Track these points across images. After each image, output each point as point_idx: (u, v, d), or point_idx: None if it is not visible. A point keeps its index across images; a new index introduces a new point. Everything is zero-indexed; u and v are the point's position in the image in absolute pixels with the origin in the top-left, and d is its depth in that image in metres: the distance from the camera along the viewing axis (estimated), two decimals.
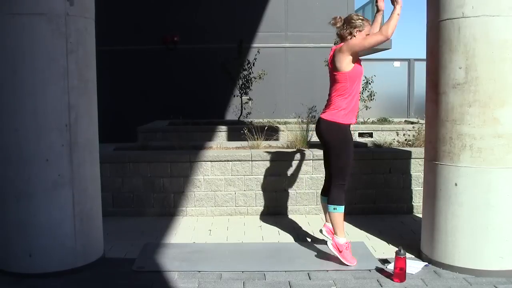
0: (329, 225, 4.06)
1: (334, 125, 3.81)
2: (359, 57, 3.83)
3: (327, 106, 3.90)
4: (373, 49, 14.74)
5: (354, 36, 3.77)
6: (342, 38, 3.84)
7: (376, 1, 3.89)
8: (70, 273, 3.59)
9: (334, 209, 3.80)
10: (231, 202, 5.28)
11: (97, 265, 3.77)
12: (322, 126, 3.88)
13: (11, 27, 3.41)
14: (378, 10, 3.95)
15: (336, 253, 3.80)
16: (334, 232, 3.87)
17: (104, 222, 4.02)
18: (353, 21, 3.79)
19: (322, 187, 4.21)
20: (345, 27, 3.80)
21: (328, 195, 3.88)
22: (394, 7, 3.66)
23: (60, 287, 3.43)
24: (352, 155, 3.89)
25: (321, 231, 4.14)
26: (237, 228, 4.81)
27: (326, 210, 4.04)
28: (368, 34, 3.80)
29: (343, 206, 3.83)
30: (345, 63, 3.74)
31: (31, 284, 3.44)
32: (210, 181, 5.26)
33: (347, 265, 3.75)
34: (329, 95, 3.90)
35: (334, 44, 9.42)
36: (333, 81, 3.85)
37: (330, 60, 3.87)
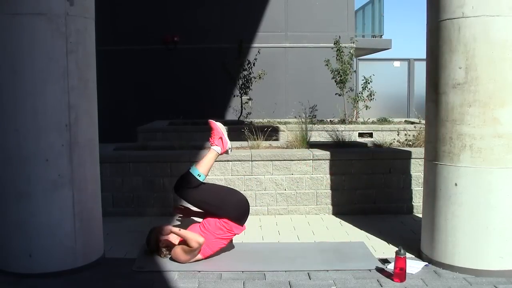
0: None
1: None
2: None
3: None
4: (373, 49, 14.76)
5: None
6: None
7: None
8: (70, 273, 3.59)
9: (199, 175, 4.04)
10: None
11: (97, 265, 3.77)
12: None
13: (11, 27, 3.41)
14: None
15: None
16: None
17: (104, 222, 4.01)
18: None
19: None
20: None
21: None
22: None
23: (60, 287, 3.43)
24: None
25: None
26: None
27: None
28: None
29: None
30: None
31: (31, 284, 3.44)
32: (210, 181, 5.25)
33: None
34: None
35: (335, 43, 9.47)
36: None
37: None
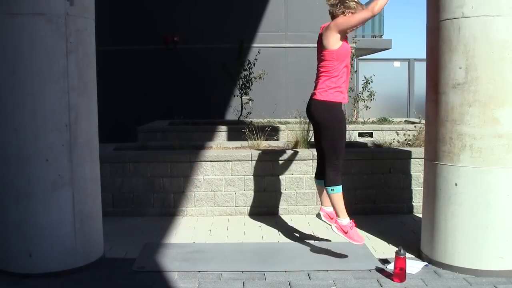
0: (326, 208, 4.08)
1: (326, 104, 3.78)
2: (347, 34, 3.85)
3: (316, 86, 3.87)
4: (373, 49, 14.77)
5: (345, 16, 3.77)
6: (333, 17, 3.85)
7: None
8: (70, 273, 3.59)
9: (332, 190, 3.78)
10: (231, 202, 5.28)
11: (97, 265, 3.77)
12: (314, 106, 3.85)
13: (11, 27, 3.41)
14: None
15: (342, 235, 3.80)
16: (336, 214, 3.86)
17: (104, 222, 4.01)
18: (347, 2, 3.79)
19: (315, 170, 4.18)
20: (339, 6, 3.80)
21: (324, 178, 3.85)
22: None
23: (60, 287, 3.43)
24: (345, 134, 3.87)
25: (318, 215, 4.11)
26: (237, 228, 4.81)
27: (321, 193, 4.04)
28: None
29: (341, 186, 3.81)
30: (332, 41, 3.74)
31: (31, 284, 3.44)
32: (210, 181, 5.26)
33: (356, 243, 3.77)
34: (317, 75, 3.88)
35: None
36: (321, 60, 3.84)
37: (318, 39, 3.87)
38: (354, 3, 3.80)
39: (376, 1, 3.61)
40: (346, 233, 3.79)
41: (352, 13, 3.76)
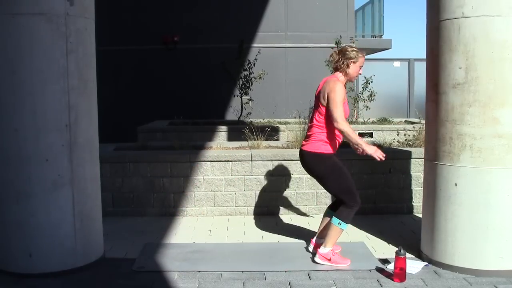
0: (321, 250, 3.92)
1: (318, 156, 3.80)
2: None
3: (308, 137, 3.90)
4: (373, 49, 14.75)
5: (349, 67, 3.82)
6: (336, 69, 3.88)
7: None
8: (70, 273, 3.59)
9: (339, 223, 3.76)
10: (231, 202, 5.28)
11: (97, 265, 3.77)
12: (306, 159, 3.88)
13: (11, 27, 3.41)
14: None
15: (326, 263, 3.78)
16: (325, 243, 3.82)
17: (104, 222, 4.01)
18: (347, 52, 3.84)
19: (326, 199, 4.13)
20: (340, 59, 3.84)
21: (337, 209, 3.81)
22: (358, 145, 3.68)
23: (60, 287, 3.43)
24: (348, 175, 3.87)
25: (314, 256, 3.96)
26: (237, 228, 4.81)
27: (323, 224, 4.01)
28: (361, 67, 3.87)
29: (347, 225, 3.80)
30: None
31: (31, 284, 3.44)
32: (210, 181, 5.26)
33: (343, 268, 3.74)
34: (310, 125, 3.90)
35: (335, 43, 9.45)
36: (317, 110, 3.85)
37: (318, 90, 3.87)
38: (354, 52, 3.84)
39: (349, 131, 3.65)
40: (330, 260, 3.77)
41: (353, 62, 3.81)
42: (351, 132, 3.68)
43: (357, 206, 3.79)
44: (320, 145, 3.79)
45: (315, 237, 4.05)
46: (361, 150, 3.68)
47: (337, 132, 3.80)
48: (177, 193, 5.25)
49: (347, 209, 3.77)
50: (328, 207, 4.12)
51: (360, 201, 3.81)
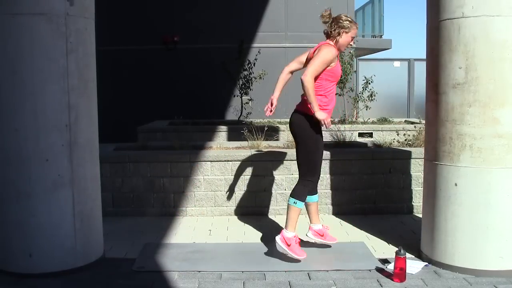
0: (314, 226, 4.09)
1: (307, 116, 3.81)
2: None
3: (302, 100, 3.91)
4: (373, 49, 14.76)
5: (341, 37, 3.82)
6: (328, 36, 3.86)
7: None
8: (70, 273, 3.59)
9: (294, 203, 3.80)
10: (231, 202, 5.28)
11: (97, 265, 3.77)
12: (295, 117, 3.90)
13: (11, 27, 3.41)
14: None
15: (284, 247, 3.79)
16: (285, 225, 3.86)
17: (104, 222, 4.01)
18: (341, 21, 3.83)
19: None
20: (333, 26, 3.81)
21: (298, 197, 3.82)
22: (312, 105, 3.70)
23: (60, 287, 3.43)
24: (322, 151, 3.88)
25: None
26: (237, 228, 4.81)
27: (309, 210, 4.06)
28: (353, 37, 3.88)
29: (303, 203, 3.84)
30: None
31: (31, 284, 3.44)
32: (210, 181, 5.26)
33: (297, 258, 3.77)
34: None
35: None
36: None
37: (312, 54, 3.88)
38: (348, 22, 3.83)
39: (310, 92, 3.66)
40: (289, 245, 3.78)
41: (346, 32, 3.81)
42: (312, 90, 3.67)
43: (311, 184, 3.84)
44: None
45: (310, 225, 4.15)
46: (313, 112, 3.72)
47: (328, 98, 3.82)
48: (177, 193, 5.26)
49: (300, 186, 3.84)
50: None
51: (316, 179, 3.87)
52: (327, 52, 3.74)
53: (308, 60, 3.91)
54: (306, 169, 3.85)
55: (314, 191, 4.01)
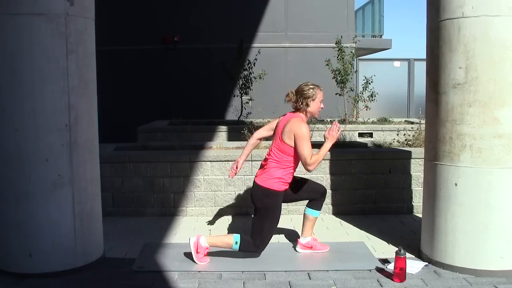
0: (302, 240, 4.10)
1: (268, 191, 3.82)
2: None
3: (263, 169, 3.90)
4: (373, 49, 14.75)
5: (309, 106, 3.83)
6: (297, 109, 3.89)
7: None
8: (70, 273, 3.59)
9: (236, 243, 3.81)
10: (231, 202, 5.28)
11: (97, 265, 3.77)
12: (256, 191, 3.88)
13: (11, 27, 3.40)
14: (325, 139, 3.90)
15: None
16: (213, 244, 3.85)
17: (104, 222, 4.02)
18: (304, 92, 3.84)
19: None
20: (299, 100, 3.84)
21: (241, 243, 3.82)
22: (325, 143, 3.77)
23: (60, 287, 3.43)
24: (277, 220, 3.91)
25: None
26: (237, 228, 4.81)
27: (305, 222, 4.08)
28: (321, 101, 3.89)
29: (239, 251, 3.86)
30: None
31: (31, 284, 3.44)
32: (210, 181, 5.26)
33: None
34: (268, 157, 3.90)
35: (336, 43, 9.43)
36: (278, 148, 3.85)
37: (280, 126, 3.86)
38: (311, 89, 3.83)
39: (317, 157, 3.71)
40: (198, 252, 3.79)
41: (313, 100, 3.82)
42: (321, 159, 3.77)
43: (257, 252, 3.89)
44: (273, 182, 3.82)
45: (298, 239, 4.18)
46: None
47: (291, 170, 3.86)
48: (177, 193, 5.26)
49: (250, 243, 3.85)
50: (307, 204, 4.14)
51: (262, 250, 3.90)
52: (302, 130, 3.73)
53: (277, 133, 3.88)
54: (258, 237, 3.86)
55: (318, 208, 4.05)
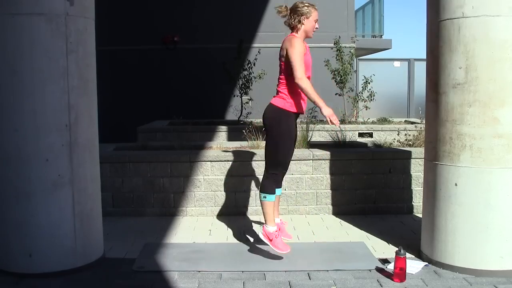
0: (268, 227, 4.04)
1: (280, 111, 3.82)
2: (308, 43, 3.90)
3: (276, 93, 3.92)
4: (373, 49, 14.77)
5: (303, 24, 3.81)
6: (291, 27, 3.88)
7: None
8: (70, 273, 3.59)
9: (264, 197, 3.82)
10: (231, 202, 5.28)
11: (97, 265, 3.77)
12: (268, 110, 3.89)
13: (11, 27, 3.40)
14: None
15: (267, 242, 3.83)
16: (264, 221, 3.88)
17: (104, 222, 4.01)
18: (298, 9, 3.82)
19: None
20: (293, 16, 3.82)
21: (265, 191, 3.84)
22: (316, 103, 3.72)
23: (60, 287, 3.43)
24: (290, 146, 3.90)
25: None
26: (237, 228, 4.81)
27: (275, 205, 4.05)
28: (316, 21, 3.87)
29: (274, 195, 3.86)
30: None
31: (31, 284, 3.44)
32: (210, 181, 5.26)
33: (280, 253, 3.80)
34: (278, 83, 3.93)
35: (334, 43, 9.44)
36: (282, 70, 3.88)
37: (282, 53, 3.87)
38: (306, 7, 3.82)
39: (308, 87, 3.67)
40: (271, 240, 3.81)
41: (307, 17, 3.80)
42: (310, 89, 3.70)
43: (274, 177, 3.85)
44: (284, 102, 3.82)
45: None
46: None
47: (299, 90, 3.82)
48: (177, 193, 5.26)
49: (265, 180, 3.87)
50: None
51: (281, 171, 3.87)
52: (297, 46, 3.71)
53: (280, 58, 3.89)
54: (270, 162, 3.87)
55: (278, 185, 4.02)
